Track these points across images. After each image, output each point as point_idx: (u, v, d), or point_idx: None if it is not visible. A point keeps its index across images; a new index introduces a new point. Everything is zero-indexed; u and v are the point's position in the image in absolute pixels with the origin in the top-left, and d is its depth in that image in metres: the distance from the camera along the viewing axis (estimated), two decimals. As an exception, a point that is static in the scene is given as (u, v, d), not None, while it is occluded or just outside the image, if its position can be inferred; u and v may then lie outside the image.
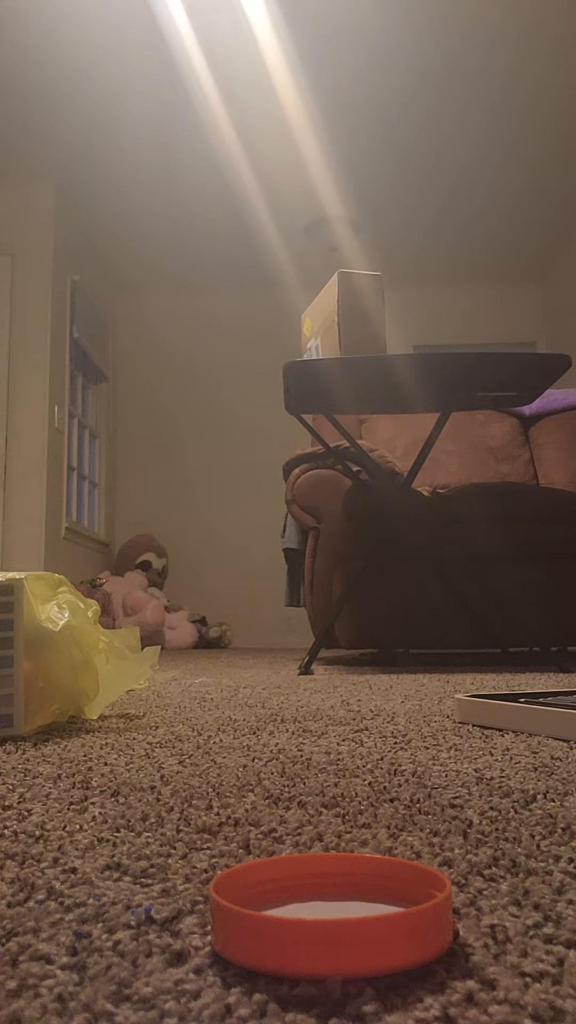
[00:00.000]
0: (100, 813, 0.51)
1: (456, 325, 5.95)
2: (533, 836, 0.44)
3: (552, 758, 0.69)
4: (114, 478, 5.83)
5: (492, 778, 0.61)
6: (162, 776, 0.63)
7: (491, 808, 0.51)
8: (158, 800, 0.54)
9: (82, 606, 0.99)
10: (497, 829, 0.45)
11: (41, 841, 0.44)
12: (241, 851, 0.42)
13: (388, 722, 0.96)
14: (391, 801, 0.53)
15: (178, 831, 0.46)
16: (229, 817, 0.49)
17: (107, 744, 0.81)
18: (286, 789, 0.57)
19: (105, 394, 5.66)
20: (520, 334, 5.95)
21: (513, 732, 0.87)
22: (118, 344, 5.97)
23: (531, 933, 0.30)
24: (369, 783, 0.59)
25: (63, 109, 3.98)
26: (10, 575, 0.91)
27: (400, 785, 0.58)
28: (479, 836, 0.44)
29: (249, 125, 4.10)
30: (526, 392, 2.22)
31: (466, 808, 0.51)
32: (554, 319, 5.79)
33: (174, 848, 0.43)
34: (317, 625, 2.67)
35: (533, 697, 0.95)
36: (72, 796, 0.56)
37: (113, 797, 0.55)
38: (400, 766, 0.66)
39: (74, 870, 0.39)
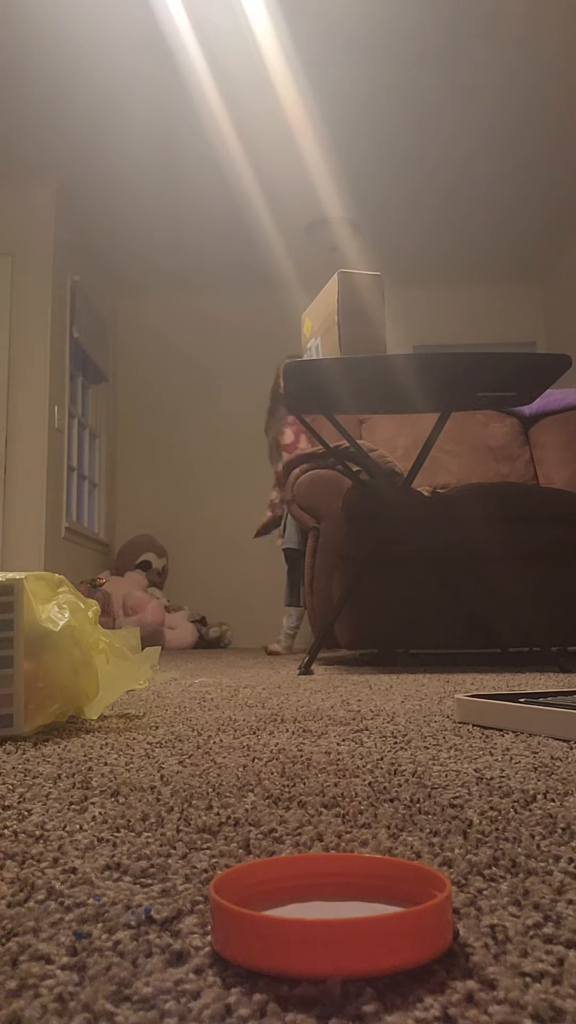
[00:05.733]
0: (100, 813, 0.51)
1: (456, 325, 5.95)
2: (533, 836, 0.44)
3: (552, 758, 0.69)
4: (114, 478, 5.83)
5: (492, 778, 0.61)
6: (162, 776, 0.63)
7: (491, 808, 0.51)
8: (158, 800, 0.54)
9: (82, 606, 0.99)
10: (497, 829, 0.45)
11: (41, 841, 0.44)
12: (241, 851, 0.42)
13: (388, 722, 0.96)
14: (391, 801, 0.53)
15: (178, 831, 0.46)
16: (229, 817, 0.49)
17: (107, 744, 0.81)
18: (286, 789, 0.57)
19: (105, 394, 5.66)
20: (520, 334, 5.95)
21: (513, 732, 0.87)
22: (118, 344, 5.96)
23: (531, 933, 0.30)
24: (369, 783, 0.59)
25: (64, 109, 3.98)
26: (10, 575, 0.91)
27: (400, 785, 0.58)
28: (479, 836, 0.44)
29: (249, 125, 4.10)
30: (526, 392, 2.22)
31: (466, 808, 0.51)
32: (554, 319, 5.79)
33: (174, 848, 0.43)
34: (317, 625, 2.67)
35: (533, 697, 0.95)
36: (72, 796, 0.56)
37: (113, 797, 0.55)
38: (400, 766, 0.66)
39: (74, 870, 0.39)
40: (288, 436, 3.96)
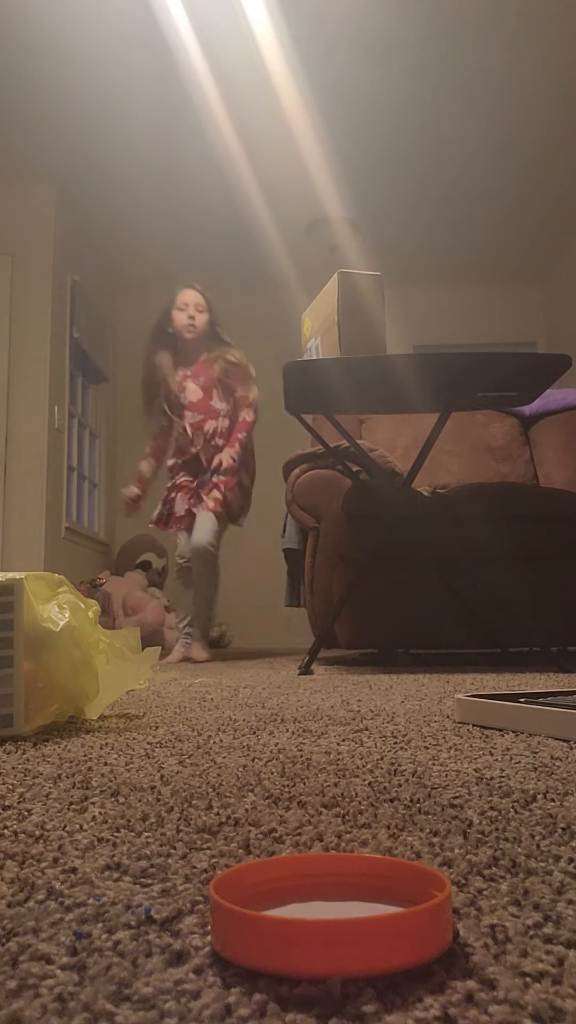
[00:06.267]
0: (100, 813, 0.51)
1: (456, 325, 5.95)
2: (533, 836, 0.44)
3: (552, 758, 0.69)
4: (114, 478, 5.83)
5: (492, 778, 0.61)
6: (162, 776, 0.63)
7: (491, 808, 0.51)
8: (158, 800, 0.54)
9: (82, 606, 0.99)
10: (497, 829, 0.45)
11: (41, 841, 0.44)
12: (241, 851, 0.42)
13: (388, 722, 0.96)
14: (391, 801, 0.53)
15: (178, 831, 0.46)
16: (229, 817, 0.49)
17: (107, 744, 0.81)
18: (286, 789, 0.57)
19: (105, 394, 5.66)
20: (520, 334, 5.95)
21: (513, 732, 0.87)
22: (118, 344, 5.96)
23: (531, 933, 0.30)
24: (369, 783, 0.59)
25: (64, 109, 3.97)
26: (10, 575, 0.91)
27: (400, 785, 0.58)
28: (479, 836, 0.44)
29: (249, 125, 4.10)
30: (526, 392, 2.22)
31: (466, 808, 0.51)
32: (554, 319, 5.79)
33: (174, 848, 0.43)
34: (317, 625, 2.67)
35: (533, 697, 0.95)
36: (72, 796, 0.56)
37: (113, 797, 0.55)
38: (400, 766, 0.66)
39: (74, 870, 0.39)
40: (193, 392, 3.01)
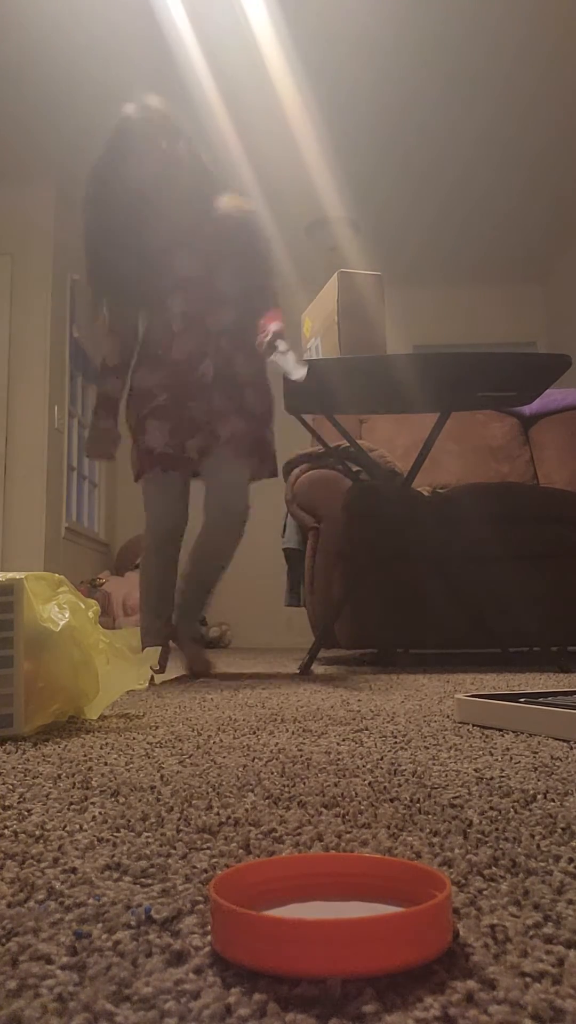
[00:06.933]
0: (100, 813, 0.51)
1: (456, 325, 5.95)
2: (533, 836, 0.44)
3: (552, 758, 0.69)
4: (114, 478, 5.83)
5: (492, 778, 0.61)
6: (162, 776, 0.63)
7: (491, 808, 0.51)
8: (158, 800, 0.54)
9: (82, 606, 0.99)
10: (497, 829, 0.45)
11: (41, 841, 0.44)
12: (241, 851, 0.42)
13: (388, 722, 0.96)
14: (391, 801, 0.53)
15: (178, 831, 0.46)
16: (229, 817, 0.49)
17: (107, 744, 0.81)
18: (286, 789, 0.57)
19: (105, 394, 5.65)
20: (520, 334, 5.95)
21: (513, 732, 0.87)
22: (118, 344, 5.96)
23: (531, 933, 0.30)
24: (369, 783, 0.59)
25: (63, 109, 3.97)
26: (10, 575, 0.91)
27: (400, 785, 0.58)
28: (479, 836, 0.44)
29: (249, 125, 4.10)
30: (526, 392, 2.22)
31: (466, 808, 0.51)
32: (554, 319, 5.78)
33: (174, 848, 0.42)
34: (317, 625, 2.67)
35: (533, 697, 0.95)
36: (72, 796, 0.56)
37: (113, 797, 0.55)
38: (400, 766, 0.66)
39: (74, 870, 0.39)
40: (185, 263, 1.95)
